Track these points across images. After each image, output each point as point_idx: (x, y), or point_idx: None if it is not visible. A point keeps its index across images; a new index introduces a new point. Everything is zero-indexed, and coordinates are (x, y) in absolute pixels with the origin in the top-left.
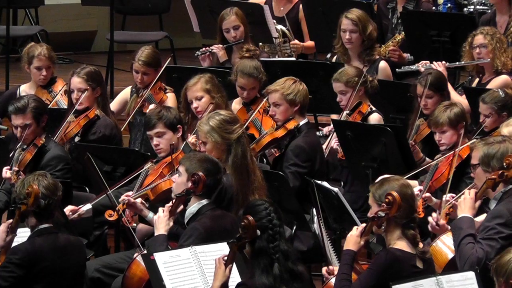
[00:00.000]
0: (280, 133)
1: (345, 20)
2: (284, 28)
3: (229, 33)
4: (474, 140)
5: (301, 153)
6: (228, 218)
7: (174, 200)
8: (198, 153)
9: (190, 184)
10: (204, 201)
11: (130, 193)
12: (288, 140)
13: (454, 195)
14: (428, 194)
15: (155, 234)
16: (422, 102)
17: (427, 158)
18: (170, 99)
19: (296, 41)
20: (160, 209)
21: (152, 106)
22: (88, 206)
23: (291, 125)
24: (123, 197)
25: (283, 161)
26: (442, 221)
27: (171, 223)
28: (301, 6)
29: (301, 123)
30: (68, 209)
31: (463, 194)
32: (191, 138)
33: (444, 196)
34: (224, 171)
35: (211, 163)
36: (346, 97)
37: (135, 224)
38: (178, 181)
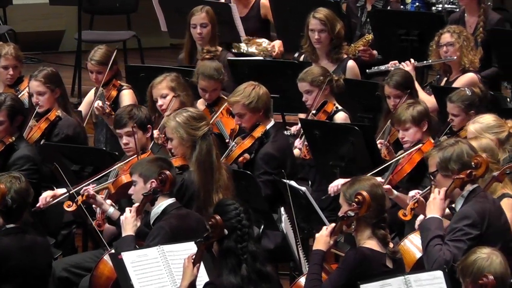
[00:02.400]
0: (248, 142)
1: (313, 20)
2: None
3: (195, 29)
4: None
5: (271, 160)
6: (193, 217)
7: (141, 200)
8: (143, 157)
9: (149, 186)
10: (170, 201)
11: (94, 185)
12: (257, 145)
13: (419, 191)
14: (388, 186)
15: (123, 235)
16: (392, 102)
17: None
18: (125, 95)
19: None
20: (127, 209)
21: (97, 103)
22: (64, 190)
23: (258, 132)
24: (83, 189)
25: (254, 169)
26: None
27: (139, 223)
28: (261, 2)
29: (268, 126)
30: (48, 195)
31: (429, 190)
32: (155, 132)
33: (410, 192)
34: (187, 167)
35: (162, 160)
36: (311, 96)
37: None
38: (137, 189)
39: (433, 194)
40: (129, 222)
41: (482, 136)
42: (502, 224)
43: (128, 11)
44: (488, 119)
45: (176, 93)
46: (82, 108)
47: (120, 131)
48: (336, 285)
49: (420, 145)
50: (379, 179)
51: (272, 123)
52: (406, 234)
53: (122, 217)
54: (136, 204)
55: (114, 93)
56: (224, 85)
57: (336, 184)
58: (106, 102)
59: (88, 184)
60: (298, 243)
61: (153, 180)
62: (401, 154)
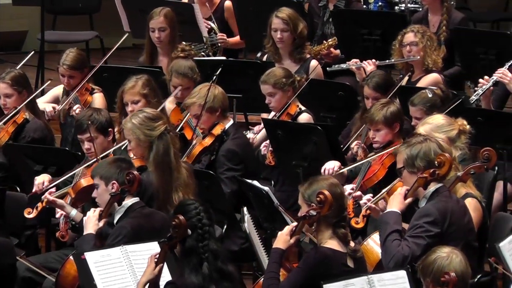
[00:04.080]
0: (208, 141)
1: (275, 19)
2: (211, 23)
3: (154, 32)
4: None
5: (233, 156)
6: (157, 217)
7: (107, 201)
8: (102, 159)
9: (111, 188)
10: (133, 200)
11: (53, 190)
12: (217, 144)
13: (371, 196)
14: (359, 193)
15: (84, 233)
16: (369, 103)
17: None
18: (97, 99)
19: (223, 35)
20: (92, 209)
21: (75, 107)
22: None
23: (217, 130)
24: (46, 194)
25: (216, 167)
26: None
27: (101, 224)
28: (226, 4)
29: (227, 125)
30: (45, 180)
31: (381, 196)
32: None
33: (364, 198)
34: (146, 168)
35: (121, 161)
36: (274, 99)
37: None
38: (99, 192)
39: (397, 190)
40: (90, 221)
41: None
42: (465, 223)
43: (91, 11)
44: (437, 119)
45: (148, 99)
46: (44, 99)
47: (81, 136)
48: (294, 284)
49: (391, 149)
50: (350, 185)
51: (231, 122)
52: (369, 233)
53: (84, 217)
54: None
55: (89, 98)
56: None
57: (333, 167)
58: (84, 109)
59: (52, 187)
60: (259, 241)
61: (114, 181)
62: (371, 155)
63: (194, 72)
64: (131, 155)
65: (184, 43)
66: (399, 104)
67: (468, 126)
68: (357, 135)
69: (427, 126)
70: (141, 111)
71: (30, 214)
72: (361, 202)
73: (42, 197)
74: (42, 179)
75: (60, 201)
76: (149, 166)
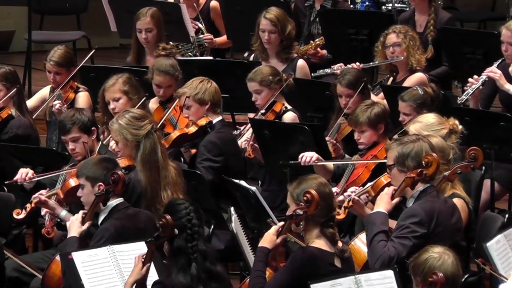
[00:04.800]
0: (192, 129)
1: (263, 20)
2: (199, 24)
3: (141, 33)
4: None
5: (213, 148)
6: (141, 216)
7: (92, 201)
8: (86, 160)
9: (97, 189)
10: (118, 200)
11: (43, 191)
12: (202, 137)
13: (356, 188)
14: (341, 198)
15: (68, 236)
16: (343, 101)
17: (346, 155)
18: (81, 97)
19: (210, 35)
20: (81, 211)
21: (55, 103)
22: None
23: (202, 121)
24: (34, 196)
25: (196, 158)
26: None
27: (85, 227)
28: (211, 4)
29: (215, 120)
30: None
31: (366, 189)
32: (113, 144)
33: (348, 190)
34: (134, 167)
35: (107, 161)
36: (261, 96)
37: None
38: (85, 193)
39: (384, 190)
40: (74, 224)
41: (434, 136)
42: (453, 223)
43: (78, 11)
44: (428, 117)
45: (129, 96)
46: (32, 101)
47: (64, 137)
48: (281, 283)
49: (375, 151)
50: (334, 188)
51: (219, 118)
52: (356, 233)
53: (68, 221)
54: (83, 211)
55: (71, 95)
56: (178, 85)
57: (311, 155)
58: (65, 105)
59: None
60: (246, 241)
61: (100, 183)
62: (355, 159)
63: (175, 70)
64: (113, 146)
65: (171, 43)
66: (383, 105)
67: (460, 126)
68: (330, 132)
69: (417, 125)
70: (127, 112)
71: (19, 215)
72: (345, 194)
73: (33, 197)
74: (26, 171)
75: (51, 202)
76: (137, 165)
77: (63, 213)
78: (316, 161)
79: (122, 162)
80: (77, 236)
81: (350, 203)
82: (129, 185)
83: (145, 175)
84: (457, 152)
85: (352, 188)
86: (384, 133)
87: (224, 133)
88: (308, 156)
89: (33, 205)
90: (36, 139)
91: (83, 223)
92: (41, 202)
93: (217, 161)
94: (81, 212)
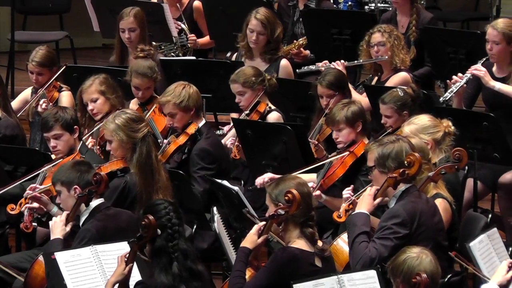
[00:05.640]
0: (183, 139)
1: (254, 20)
2: (182, 24)
3: (124, 33)
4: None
5: (207, 155)
6: (123, 216)
7: (73, 204)
8: (59, 167)
9: (73, 193)
10: (98, 201)
11: (34, 185)
12: (190, 144)
13: (351, 191)
14: (318, 192)
15: (51, 238)
16: (324, 102)
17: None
18: (65, 97)
19: (193, 35)
20: (64, 213)
21: (41, 102)
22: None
23: (191, 129)
24: (27, 191)
25: (190, 166)
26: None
27: (68, 228)
28: (194, 4)
29: (200, 125)
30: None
31: (364, 191)
32: (89, 143)
33: (345, 191)
34: (128, 169)
35: (80, 164)
36: (244, 97)
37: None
38: (63, 199)
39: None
40: (57, 226)
41: (413, 136)
42: (435, 223)
43: (61, 11)
44: (423, 119)
45: (106, 96)
46: (14, 104)
47: (47, 134)
48: (260, 283)
49: (353, 148)
50: (311, 184)
51: (203, 121)
52: (339, 233)
53: (51, 222)
54: (66, 212)
55: (56, 94)
56: (157, 85)
57: (263, 177)
58: (50, 104)
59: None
60: (228, 241)
61: (75, 186)
62: (333, 156)
63: (153, 71)
64: (98, 152)
65: (154, 43)
66: (360, 103)
67: (452, 128)
68: (312, 133)
69: (412, 126)
70: (123, 112)
71: (13, 210)
72: (345, 196)
73: (26, 193)
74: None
75: (44, 197)
76: (132, 168)
77: (54, 209)
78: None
79: (116, 164)
80: (61, 238)
81: (351, 206)
82: (125, 187)
83: (140, 179)
84: (449, 156)
85: (348, 190)
86: (362, 131)
87: (213, 138)
88: (261, 179)
89: (27, 200)
90: (23, 139)
91: (66, 224)
92: (34, 197)
93: (212, 169)
94: (64, 213)
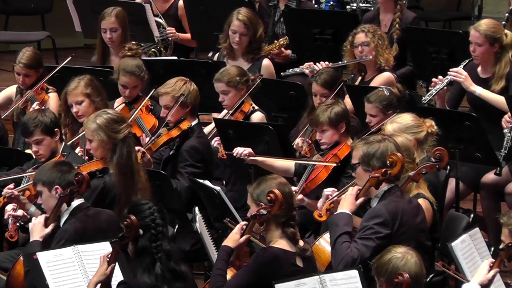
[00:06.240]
0: (175, 132)
1: (236, 21)
2: (159, 19)
3: (105, 33)
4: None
5: (195, 153)
6: (103, 216)
7: (55, 204)
8: (41, 167)
9: (55, 193)
10: (78, 202)
11: (11, 185)
12: (179, 140)
13: (335, 189)
14: (300, 196)
15: (30, 240)
16: (317, 100)
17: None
18: (52, 99)
19: (172, 29)
20: (43, 215)
21: (35, 106)
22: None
23: (185, 125)
24: (5, 190)
25: (178, 162)
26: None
27: (48, 230)
28: (179, 3)
29: (193, 123)
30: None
31: (344, 189)
32: (78, 151)
33: (325, 190)
34: (107, 170)
35: (61, 164)
36: (228, 97)
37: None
38: (44, 199)
39: (348, 190)
40: (36, 228)
41: (398, 135)
42: (417, 223)
43: (43, 12)
44: (406, 119)
45: (91, 99)
46: None
47: (28, 139)
48: (241, 283)
49: (336, 150)
50: (293, 188)
51: (196, 121)
52: (321, 233)
53: (30, 224)
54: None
55: (46, 97)
56: (143, 85)
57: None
58: (43, 107)
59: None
60: (210, 241)
61: (57, 186)
62: (316, 159)
63: (141, 70)
64: (79, 153)
65: (133, 42)
66: (344, 104)
67: (436, 128)
68: (303, 132)
69: (395, 125)
70: (105, 112)
71: None
72: (325, 193)
73: (4, 192)
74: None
75: (22, 197)
76: (111, 169)
77: (32, 208)
78: (248, 155)
79: (96, 164)
80: (40, 240)
81: (332, 205)
82: (104, 188)
83: (120, 180)
84: (431, 154)
85: (330, 189)
86: (346, 133)
87: (204, 138)
88: (240, 152)
89: (5, 199)
90: (6, 139)
91: (46, 226)
92: (12, 196)
93: (199, 167)
94: (43, 215)
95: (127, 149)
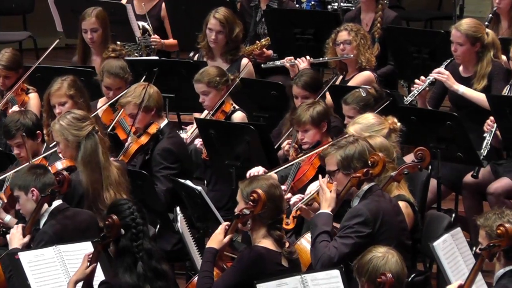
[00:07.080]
0: (144, 139)
1: (212, 19)
2: (145, 24)
3: (86, 33)
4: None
5: (169, 155)
6: (82, 217)
7: (36, 205)
8: (17, 170)
9: (31, 196)
10: (56, 203)
11: None
12: (152, 144)
13: (302, 196)
14: (289, 195)
15: (9, 248)
16: (299, 102)
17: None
18: (33, 99)
19: (157, 36)
20: (20, 225)
21: (15, 108)
22: None
23: (153, 129)
24: None
25: (152, 166)
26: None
27: (26, 239)
28: (163, 4)
29: (162, 125)
30: None
31: (311, 196)
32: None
33: (292, 198)
34: (75, 168)
35: (35, 167)
36: (208, 97)
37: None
38: (22, 203)
39: (326, 190)
40: (15, 237)
41: (376, 135)
42: (398, 222)
43: (24, 12)
44: (367, 118)
45: (74, 100)
46: None
47: (9, 142)
48: (228, 283)
49: (320, 149)
50: (282, 187)
51: (165, 121)
52: (302, 233)
53: (8, 235)
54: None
55: (26, 98)
56: (127, 86)
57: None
58: (22, 109)
59: None
60: (192, 241)
61: (32, 188)
62: (301, 157)
63: (125, 72)
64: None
65: (118, 43)
66: (325, 104)
67: (398, 124)
68: (287, 135)
69: (357, 126)
70: (69, 112)
71: None
72: (291, 202)
73: None
74: None
75: None
76: (78, 166)
77: (7, 218)
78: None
79: (64, 163)
80: (20, 248)
81: (298, 212)
82: (70, 186)
83: (86, 176)
84: (399, 151)
85: (298, 196)
86: (327, 132)
87: (175, 138)
88: (256, 172)
89: None
90: None
91: (24, 235)
92: None
93: (174, 168)
94: (20, 225)
95: (91, 145)
